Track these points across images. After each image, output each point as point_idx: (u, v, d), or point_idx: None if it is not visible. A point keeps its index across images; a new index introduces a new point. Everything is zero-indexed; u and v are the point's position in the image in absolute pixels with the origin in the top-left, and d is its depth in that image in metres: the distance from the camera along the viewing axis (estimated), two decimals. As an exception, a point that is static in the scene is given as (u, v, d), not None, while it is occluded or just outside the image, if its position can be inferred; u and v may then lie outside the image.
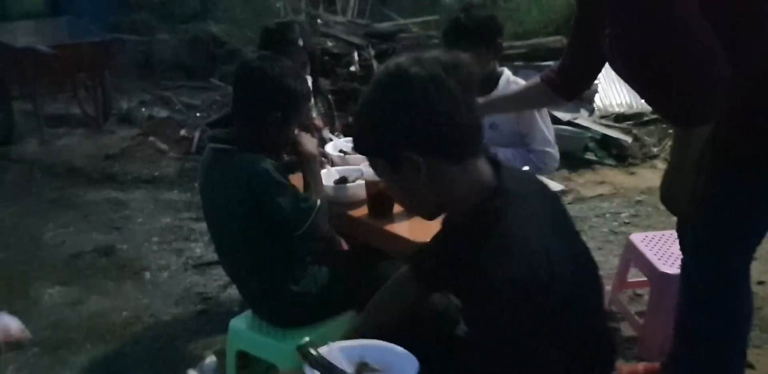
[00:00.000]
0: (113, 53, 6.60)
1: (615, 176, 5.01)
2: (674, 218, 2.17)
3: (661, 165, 4.87)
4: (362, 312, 1.81)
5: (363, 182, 2.33)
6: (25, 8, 10.81)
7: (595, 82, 4.55)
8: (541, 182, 1.57)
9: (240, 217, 2.17)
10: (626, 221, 4.10)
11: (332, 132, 3.34)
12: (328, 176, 2.47)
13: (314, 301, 2.23)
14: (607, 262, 3.40)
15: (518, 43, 6.21)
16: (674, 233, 2.27)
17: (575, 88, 2.39)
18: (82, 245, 3.99)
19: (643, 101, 2.91)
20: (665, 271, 2.62)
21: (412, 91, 1.26)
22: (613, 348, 1.61)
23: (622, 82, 4.39)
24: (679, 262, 2.24)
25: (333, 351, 1.51)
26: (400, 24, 6.96)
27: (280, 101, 2.15)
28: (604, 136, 5.32)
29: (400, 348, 1.52)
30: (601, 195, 4.65)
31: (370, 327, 1.71)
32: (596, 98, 5.67)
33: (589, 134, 5.30)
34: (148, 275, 3.62)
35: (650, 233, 2.95)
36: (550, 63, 4.88)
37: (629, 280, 3.09)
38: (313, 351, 1.45)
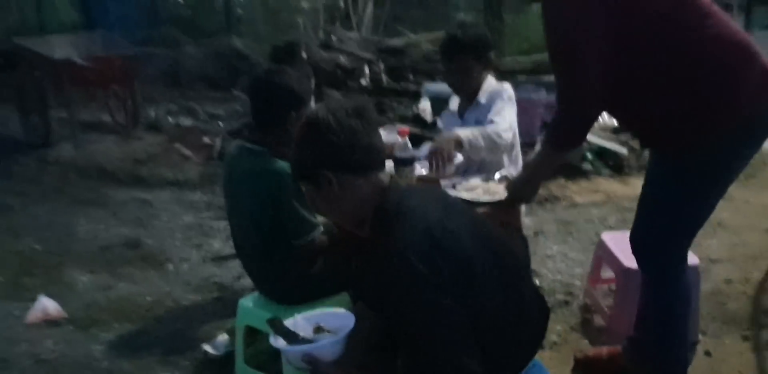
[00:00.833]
0: (143, 65, 6.92)
1: (609, 185, 5.26)
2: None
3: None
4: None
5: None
6: (61, 21, 11.25)
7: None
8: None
9: (257, 208, 2.50)
10: (612, 225, 4.36)
11: None
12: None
13: (311, 283, 2.56)
14: (588, 261, 3.64)
15: (523, 58, 6.50)
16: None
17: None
18: (112, 239, 4.35)
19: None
20: (629, 266, 2.84)
21: (317, 127, 1.69)
22: (542, 317, 1.91)
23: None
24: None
25: (296, 320, 1.84)
26: (410, 40, 7.25)
27: (291, 101, 2.53)
28: (601, 147, 5.55)
29: (342, 310, 1.88)
30: (593, 202, 4.92)
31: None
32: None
33: (587, 146, 5.54)
34: (170, 266, 3.98)
35: (620, 233, 3.15)
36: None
37: (605, 277, 3.36)
38: (278, 323, 1.77)
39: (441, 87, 4.77)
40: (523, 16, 7.67)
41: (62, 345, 3.14)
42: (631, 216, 2.51)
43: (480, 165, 2.98)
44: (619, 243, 3.04)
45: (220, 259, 4.02)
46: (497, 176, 2.79)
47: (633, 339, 2.62)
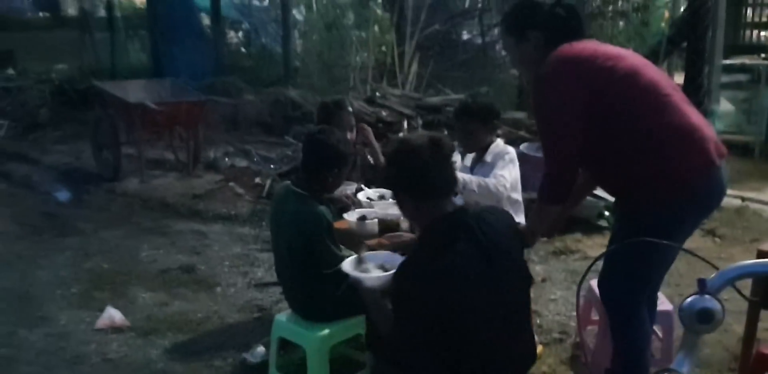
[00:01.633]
0: (206, 110, 7.42)
1: (621, 240, 5.66)
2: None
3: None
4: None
5: (377, 220, 3.25)
6: (132, 66, 12.14)
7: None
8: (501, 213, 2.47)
9: (294, 243, 3.04)
10: (615, 276, 4.79)
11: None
12: (353, 214, 3.41)
13: (335, 304, 3.10)
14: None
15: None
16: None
17: None
18: (170, 263, 4.96)
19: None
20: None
21: (402, 154, 2.25)
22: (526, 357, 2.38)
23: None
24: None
25: (372, 256, 2.74)
26: (448, 99, 7.74)
27: (338, 161, 3.12)
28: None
29: (396, 255, 2.68)
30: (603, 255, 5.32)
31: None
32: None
33: (603, 203, 5.95)
34: (219, 289, 4.55)
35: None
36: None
37: (594, 319, 3.81)
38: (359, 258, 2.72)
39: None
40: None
41: (125, 348, 3.72)
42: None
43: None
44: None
45: (262, 285, 4.58)
46: None
47: (608, 371, 3.07)
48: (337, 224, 3.21)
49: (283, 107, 8.54)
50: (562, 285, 4.65)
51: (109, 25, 12.99)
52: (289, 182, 3.24)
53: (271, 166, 7.15)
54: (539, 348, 3.46)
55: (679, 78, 7.04)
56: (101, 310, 4.06)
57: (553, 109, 2.64)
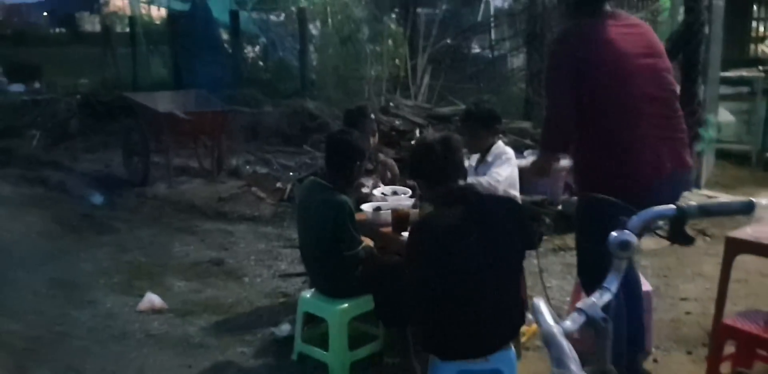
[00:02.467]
0: (229, 120, 7.85)
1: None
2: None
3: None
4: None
5: (390, 210, 3.70)
6: (153, 79, 12.63)
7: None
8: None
9: (322, 227, 3.47)
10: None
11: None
12: (369, 206, 3.87)
13: (353, 282, 3.54)
14: (579, 293, 4.57)
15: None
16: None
17: None
18: (200, 257, 5.43)
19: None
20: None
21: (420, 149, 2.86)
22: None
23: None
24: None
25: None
26: (458, 109, 7.99)
27: (356, 154, 3.58)
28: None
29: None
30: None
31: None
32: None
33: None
34: (246, 279, 5.01)
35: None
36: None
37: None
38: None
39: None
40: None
41: (165, 326, 4.18)
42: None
43: None
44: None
45: (286, 275, 5.04)
46: None
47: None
48: (356, 216, 3.65)
49: (301, 118, 8.87)
50: (558, 276, 5.07)
51: (131, 41, 13.56)
52: (313, 177, 3.70)
53: (291, 173, 7.50)
54: (532, 327, 3.85)
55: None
56: (141, 296, 4.52)
57: (549, 68, 3.13)
